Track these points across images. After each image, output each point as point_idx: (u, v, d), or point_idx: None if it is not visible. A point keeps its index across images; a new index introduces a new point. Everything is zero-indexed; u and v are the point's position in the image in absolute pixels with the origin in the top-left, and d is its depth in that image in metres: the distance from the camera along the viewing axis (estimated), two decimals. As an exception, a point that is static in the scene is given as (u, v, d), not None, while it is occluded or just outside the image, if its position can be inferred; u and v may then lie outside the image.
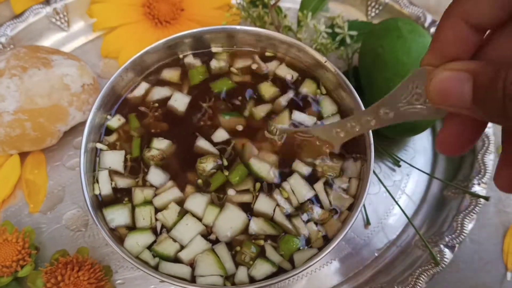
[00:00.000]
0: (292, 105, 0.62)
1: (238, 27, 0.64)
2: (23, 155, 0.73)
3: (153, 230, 0.54)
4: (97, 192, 0.56)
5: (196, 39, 0.65)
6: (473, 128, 0.38)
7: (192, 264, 0.52)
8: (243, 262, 0.52)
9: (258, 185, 0.56)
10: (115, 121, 0.61)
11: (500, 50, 0.36)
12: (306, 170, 0.57)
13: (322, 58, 0.61)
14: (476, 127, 0.39)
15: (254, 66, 0.65)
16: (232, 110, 0.61)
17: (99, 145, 0.59)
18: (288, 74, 0.64)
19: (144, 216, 0.54)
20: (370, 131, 0.55)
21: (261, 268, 0.52)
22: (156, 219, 0.54)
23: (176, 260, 0.53)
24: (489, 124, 0.72)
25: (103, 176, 0.57)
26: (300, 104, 0.62)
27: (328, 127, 0.51)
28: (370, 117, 0.45)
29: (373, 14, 0.87)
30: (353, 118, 0.47)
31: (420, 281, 0.61)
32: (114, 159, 0.58)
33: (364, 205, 0.69)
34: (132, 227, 0.55)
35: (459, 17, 0.36)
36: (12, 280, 0.61)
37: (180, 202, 0.55)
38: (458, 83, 0.34)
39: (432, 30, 0.81)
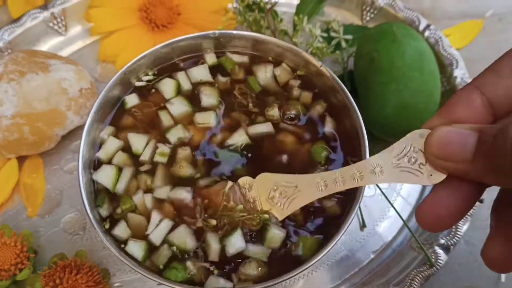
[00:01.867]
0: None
1: (234, 32, 0.65)
2: (21, 159, 0.73)
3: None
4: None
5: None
6: (465, 197, 0.36)
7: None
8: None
9: None
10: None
11: None
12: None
13: (317, 62, 0.61)
14: (468, 196, 0.36)
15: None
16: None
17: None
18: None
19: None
20: (365, 135, 0.55)
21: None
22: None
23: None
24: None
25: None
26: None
27: (312, 177, 0.47)
28: (361, 173, 0.42)
29: (368, 18, 0.88)
30: (342, 171, 0.44)
31: (415, 283, 0.62)
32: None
33: (359, 208, 0.70)
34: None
35: (476, 86, 0.35)
36: (10, 284, 0.62)
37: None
38: (461, 136, 0.33)
39: (427, 33, 0.82)
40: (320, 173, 0.47)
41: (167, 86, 0.62)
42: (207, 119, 0.60)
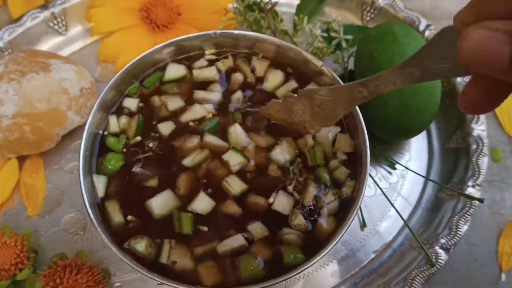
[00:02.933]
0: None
1: (236, 31, 0.65)
2: (21, 159, 0.73)
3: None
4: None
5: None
6: (502, 88, 0.35)
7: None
8: None
9: None
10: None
11: None
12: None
13: (318, 62, 0.61)
14: (504, 88, 0.35)
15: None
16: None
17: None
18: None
19: None
20: (366, 135, 0.55)
21: None
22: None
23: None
24: (483, 127, 0.73)
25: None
26: None
27: (352, 85, 0.47)
28: (395, 77, 0.42)
29: (368, 18, 0.88)
30: (377, 77, 0.44)
31: (416, 282, 0.62)
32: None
33: (360, 208, 0.70)
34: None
35: None
36: (10, 284, 0.62)
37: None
38: (496, 43, 0.30)
39: (427, 34, 0.82)
40: (356, 81, 0.46)
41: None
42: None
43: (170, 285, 0.50)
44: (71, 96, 0.71)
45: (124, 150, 0.60)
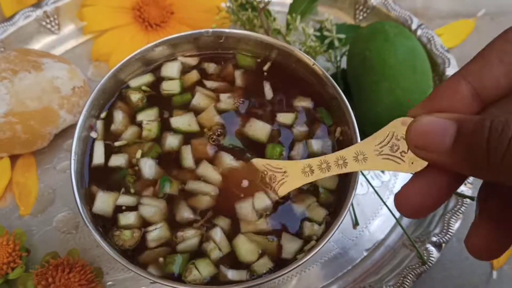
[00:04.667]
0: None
1: (227, 30, 0.65)
2: (13, 158, 0.73)
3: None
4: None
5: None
6: (443, 187, 0.36)
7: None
8: None
9: None
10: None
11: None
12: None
13: (310, 61, 0.61)
14: (446, 186, 0.36)
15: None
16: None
17: None
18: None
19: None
20: (358, 134, 0.55)
21: None
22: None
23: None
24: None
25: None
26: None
27: (299, 163, 0.49)
28: (345, 159, 0.44)
29: (361, 17, 0.88)
30: (329, 157, 0.46)
31: (408, 280, 0.62)
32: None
33: (352, 206, 0.70)
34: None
35: (463, 76, 0.35)
36: (2, 283, 0.62)
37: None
38: (441, 126, 0.33)
39: (419, 32, 0.82)
40: (306, 159, 0.48)
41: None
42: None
43: (162, 284, 0.50)
44: (63, 95, 0.71)
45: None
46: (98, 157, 0.58)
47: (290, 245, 0.53)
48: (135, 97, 0.61)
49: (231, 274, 0.52)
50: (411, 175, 0.39)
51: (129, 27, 0.84)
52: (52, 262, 0.61)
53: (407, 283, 0.62)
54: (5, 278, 0.61)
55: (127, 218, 0.54)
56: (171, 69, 0.64)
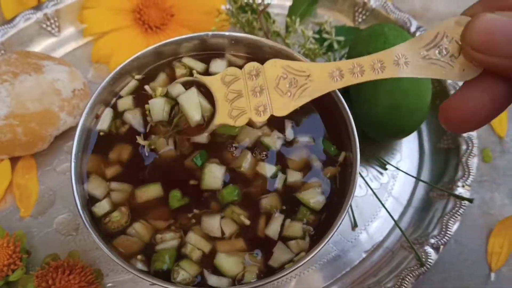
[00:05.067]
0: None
1: (227, 33, 0.65)
2: (14, 160, 0.73)
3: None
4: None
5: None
6: (498, 98, 0.32)
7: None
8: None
9: None
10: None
11: None
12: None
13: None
14: (501, 97, 0.32)
15: None
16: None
17: None
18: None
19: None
20: (356, 136, 0.55)
21: None
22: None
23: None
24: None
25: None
26: None
27: (326, 65, 0.42)
28: (383, 63, 0.38)
29: (360, 20, 0.89)
30: (363, 59, 0.39)
31: (406, 282, 0.63)
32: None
33: (351, 208, 0.71)
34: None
35: None
36: (3, 285, 0.62)
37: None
38: (509, 25, 0.28)
39: (418, 35, 0.82)
40: (335, 61, 0.42)
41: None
42: None
43: (162, 286, 0.50)
44: (64, 97, 0.71)
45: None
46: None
47: (280, 256, 0.53)
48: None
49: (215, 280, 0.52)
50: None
51: (129, 30, 0.84)
52: (53, 264, 0.61)
53: (405, 285, 0.63)
54: (6, 280, 0.62)
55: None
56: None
